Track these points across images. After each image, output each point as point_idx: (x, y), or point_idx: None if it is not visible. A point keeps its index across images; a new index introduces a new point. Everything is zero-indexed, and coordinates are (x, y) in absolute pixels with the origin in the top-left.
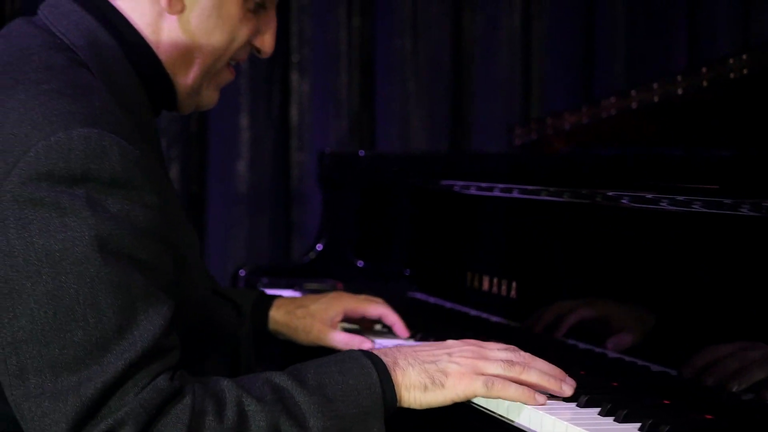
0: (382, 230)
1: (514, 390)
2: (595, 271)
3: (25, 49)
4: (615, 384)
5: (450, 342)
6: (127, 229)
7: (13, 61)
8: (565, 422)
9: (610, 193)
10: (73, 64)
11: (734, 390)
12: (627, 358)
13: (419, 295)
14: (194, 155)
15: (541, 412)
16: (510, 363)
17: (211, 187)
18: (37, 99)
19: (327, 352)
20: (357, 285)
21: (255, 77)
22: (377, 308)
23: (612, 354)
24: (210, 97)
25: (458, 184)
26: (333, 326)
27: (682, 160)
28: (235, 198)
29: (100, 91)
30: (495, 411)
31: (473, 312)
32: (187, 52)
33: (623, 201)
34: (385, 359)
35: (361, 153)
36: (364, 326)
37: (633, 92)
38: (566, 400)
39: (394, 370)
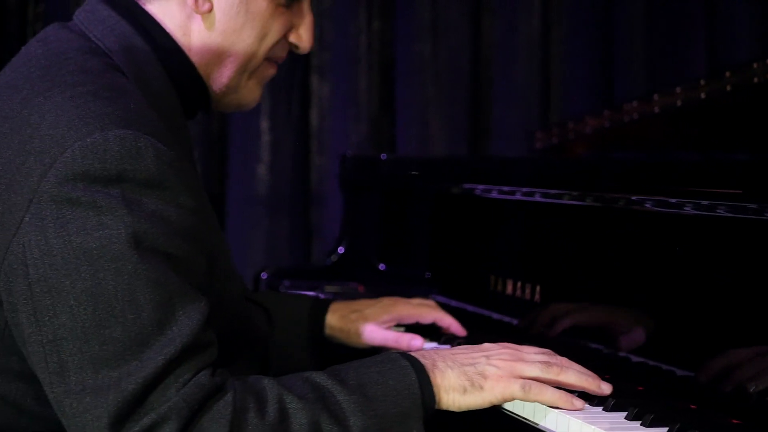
0: (403, 233)
1: (551, 394)
2: (617, 276)
3: (61, 53)
4: (640, 388)
5: (487, 345)
6: (162, 227)
7: (50, 65)
8: (592, 426)
9: (634, 198)
10: (108, 68)
11: (762, 394)
12: (651, 362)
13: (440, 299)
14: (214, 158)
15: (567, 415)
16: (547, 365)
17: (231, 190)
18: (73, 101)
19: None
20: (378, 288)
21: (275, 80)
22: (431, 313)
23: (635, 358)
24: (252, 94)
25: (480, 188)
26: (384, 328)
27: (706, 164)
28: (255, 200)
29: (135, 94)
30: (520, 414)
31: (496, 315)
32: (218, 52)
33: (647, 205)
34: (423, 361)
35: (383, 156)
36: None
37: (655, 96)
38: (592, 404)
39: (433, 372)
